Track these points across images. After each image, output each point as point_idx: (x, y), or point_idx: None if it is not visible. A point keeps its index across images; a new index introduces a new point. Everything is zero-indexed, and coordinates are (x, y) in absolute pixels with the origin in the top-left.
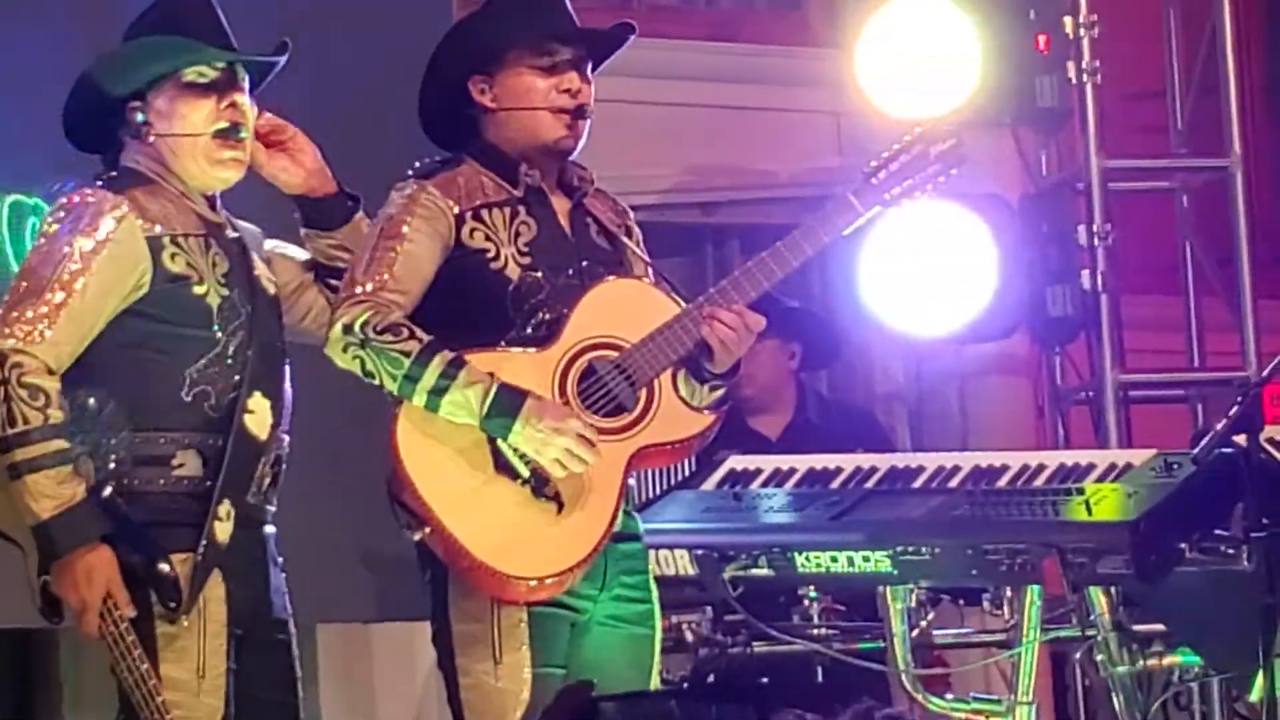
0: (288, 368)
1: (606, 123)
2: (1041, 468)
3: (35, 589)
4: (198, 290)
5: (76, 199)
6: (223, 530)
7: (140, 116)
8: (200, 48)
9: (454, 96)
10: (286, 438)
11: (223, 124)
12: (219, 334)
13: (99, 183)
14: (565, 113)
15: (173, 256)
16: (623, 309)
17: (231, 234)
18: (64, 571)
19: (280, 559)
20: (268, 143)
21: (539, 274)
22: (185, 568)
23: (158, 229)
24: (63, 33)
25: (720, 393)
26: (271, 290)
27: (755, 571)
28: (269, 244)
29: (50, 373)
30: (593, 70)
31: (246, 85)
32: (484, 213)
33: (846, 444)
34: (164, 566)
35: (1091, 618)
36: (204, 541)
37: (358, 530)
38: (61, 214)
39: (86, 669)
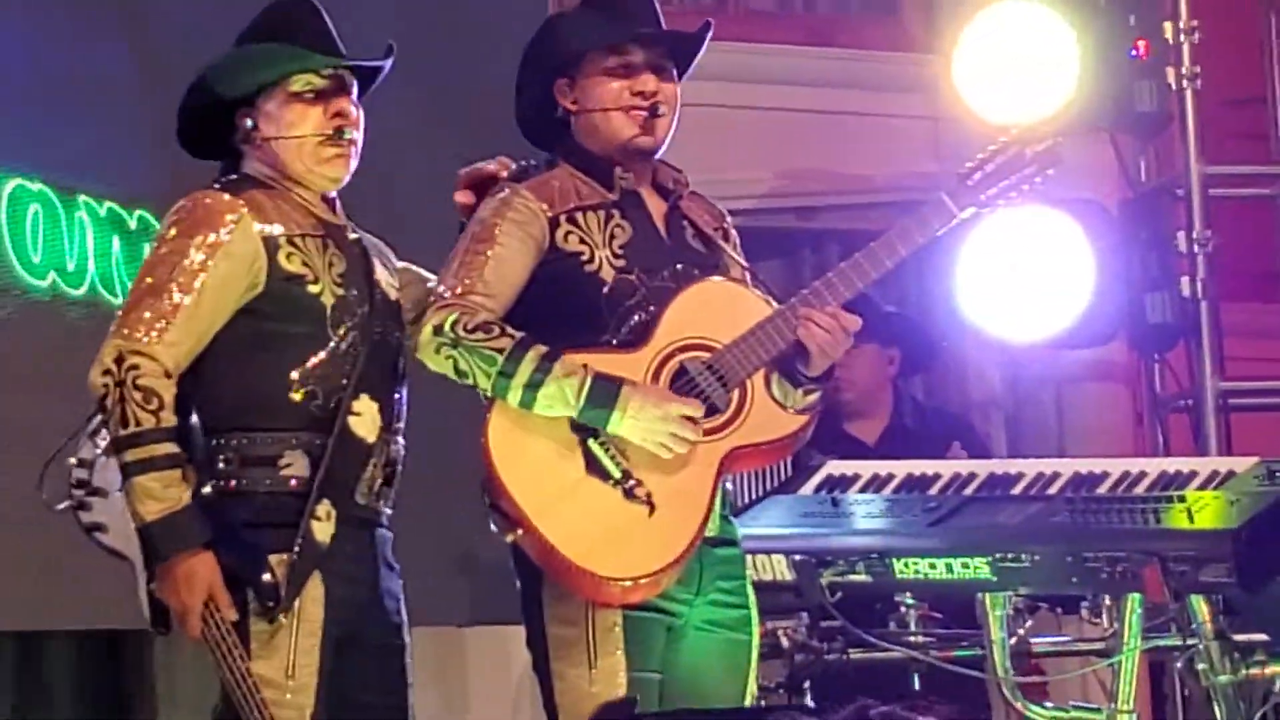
0: (405, 371)
1: (703, 127)
2: (1142, 475)
3: (143, 598)
4: (312, 289)
5: (193, 202)
6: (322, 530)
7: (249, 123)
8: (306, 55)
9: (542, 99)
10: (401, 440)
11: (328, 130)
12: (330, 333)
13: (216, 185)
14: (638, 112)
15: (288, 256)
16: (715, 310)
17: (352, 235)
18: (166, 575)
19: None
20: None
21: (634, 276)
22: (284, 569)
23: (274, 229)
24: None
25: (815, 396)
26: (393, 295)
27: (853, 577)
28: (401, 264)
29: (167, 375)
30: (680, 72)
31: (354, 90)
32: (578, 216)
33: (943, 450)
34: (266, 577)
35: (1192, 626)
36: (300, 540)
37: (451, 533)
38: (179, 216)
39: (180, 670)
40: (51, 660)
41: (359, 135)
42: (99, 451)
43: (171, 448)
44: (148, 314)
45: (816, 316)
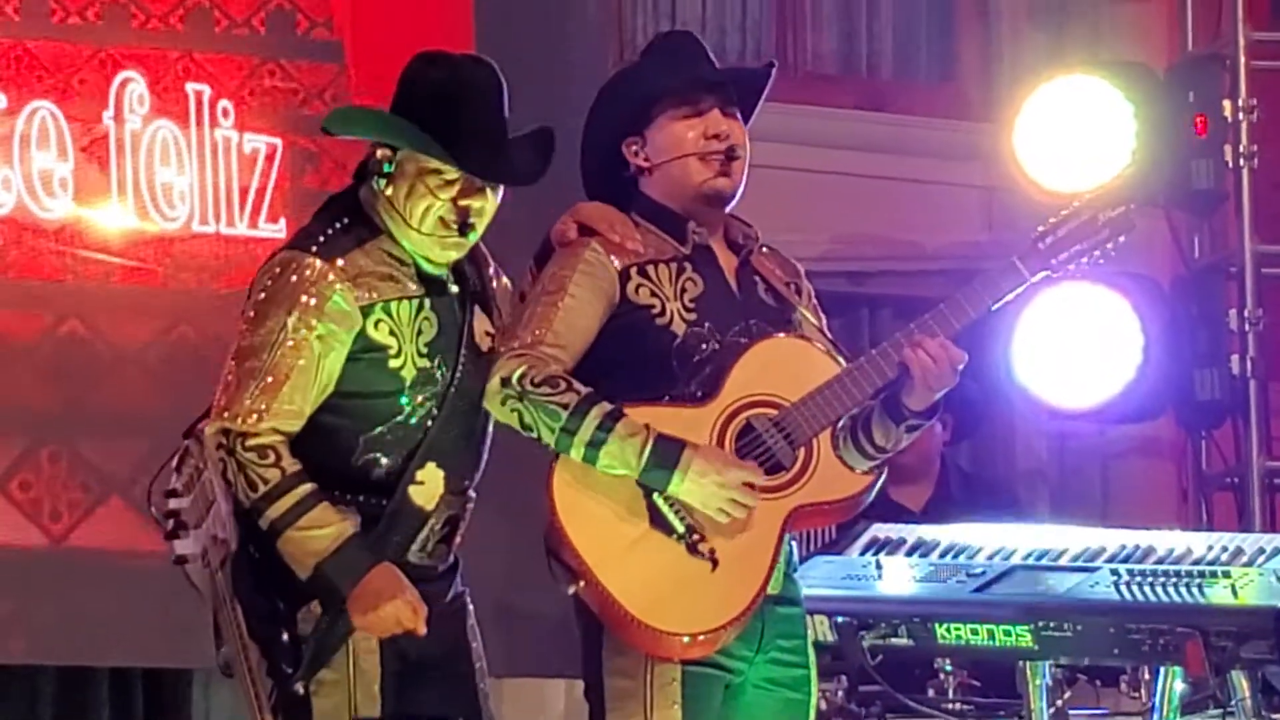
0: (486, 427)
1: (759, 188)
2: (1188, 549)
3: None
4: (394, 363)
5: (286, 268)
6: None
7: (387, 166)
8: (436, 152)
9: (610, 161)
10: (470, 494)
11: (451, 218)
12: (406, 404)
13: (314, 246)
14: (714, 156)
15: (377, 324)
16: (783, 367)
17: (453, 287)
18: (357, 604)
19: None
20: None
21: (704, 330)
22: (311, 624)
23: (370, 295)
24: None
25: (912, 436)
26: (485, 345)
27: (895, 641)
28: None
29: (276, 432)
30: (744, 117)
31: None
32: (649, 269)
33: (989, 519)
34: (285, 637)
35: (1232, 703)
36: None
37: (489, 585)
38: (270, 283)
39: (217, 706)
40: (91, 696)
41: (486, 224)
42: (182, 485)
43: (307, 487)
44: (248, 398)
45: (927, 344)
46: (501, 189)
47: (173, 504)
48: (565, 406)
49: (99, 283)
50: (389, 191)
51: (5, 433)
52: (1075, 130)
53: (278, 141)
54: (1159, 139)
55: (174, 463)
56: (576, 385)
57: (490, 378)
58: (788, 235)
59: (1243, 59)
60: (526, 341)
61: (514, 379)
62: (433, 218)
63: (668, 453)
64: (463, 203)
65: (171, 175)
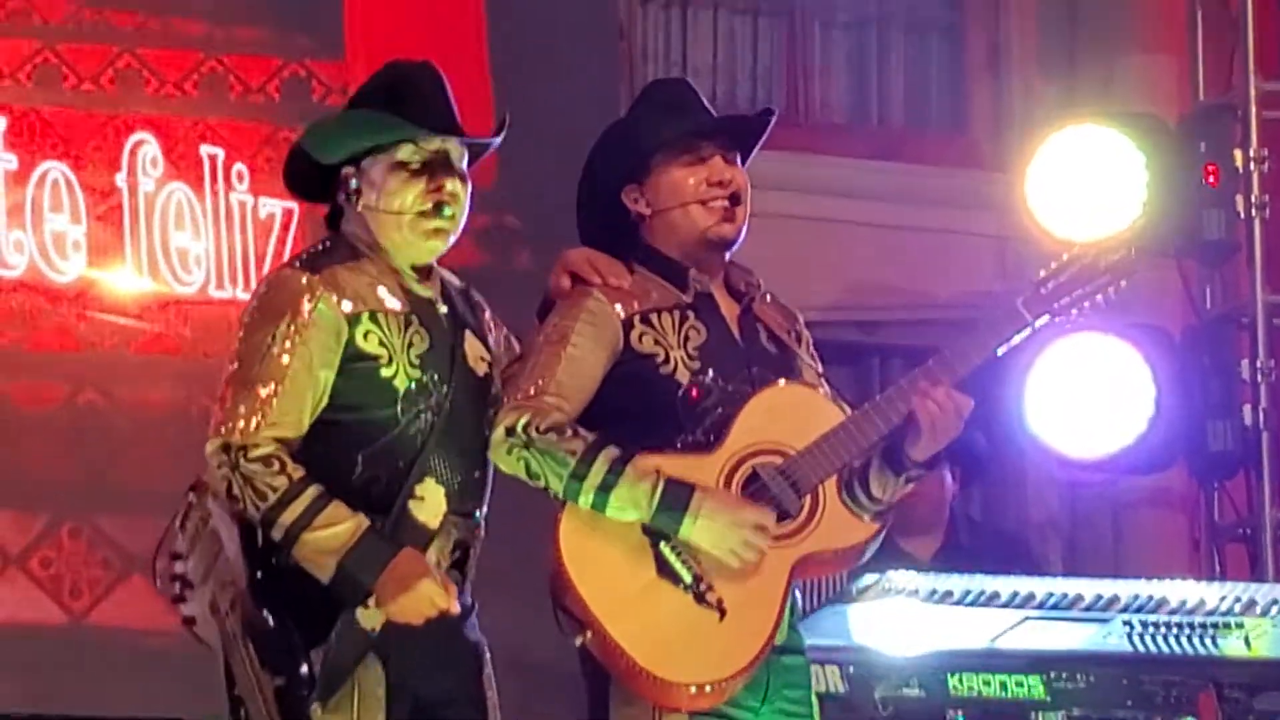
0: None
1: (770, 236)
2: (1201, 601)
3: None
4: (385, 372)
5: (271, 286)
6: (369, 618)
7: (354, 183)
8: (407, 127)
9: (610, 210)
10: (480, 522)
11: (427, 205)
12: (400, 417)
13: (297, 263)
14: (717, 203)
15: (366, 335)
16: (788, 415)
17: (442, 308)
18: (383, 593)
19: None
20: None
21: (708, 378)
22: (320, 658)
23: (355, 305)
24: None
25: (910, 487)
26: (481, 370)
27: (906, 692)
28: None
29: (277, 441)
30: (743, 161)
31: (464, 163)
32: (652, 317)
33: (999, 569)
34: (304, 670)
35: None
36: (338, 628)
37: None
38: (258, 302)
39: None
40: None
41: (462, 210)
42: (187, 544)
43: (315, 489)
44: (242, 408)
45: (934, 392)
46: (469, 183)
47: (178, 567)
48: (573, 453)
49: (115, 351)
50: (364, 202)
51: (26, 507)
52: (1087, 180)
53: (294, 206)
54: (1170, 189)
55: (178, 522)
56: (583, 432)
57: (494, 428)
58: (799, 284)
59: (1254, 109)
60: (530, 392)
61: (519, 427)
62: (411, 206)
63: (678, 495)
64: (432, 185)
65: (187, 239)
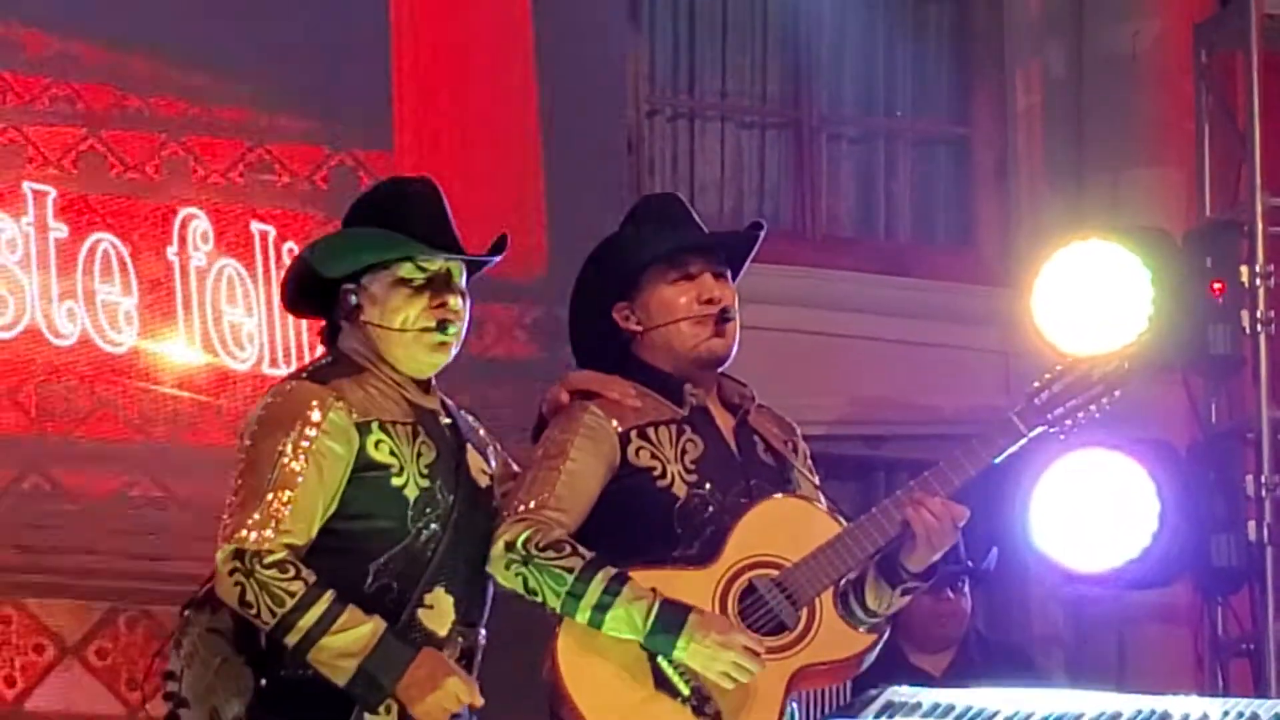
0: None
1: (775, 350)
2: (1204, 715)
3: None
4: (395, 481)
5: (281, 396)
6: None
7: (354, 300)
8: (410, 245)
9: (602, 326)
10: (482, 632)
11: (430, 323)
12: (410, 526)
13: (304, 375)
14: (708, 319)
15: (377, 444)
16: (784, 527)
17: (445, 419)
18: (408, 694)
19: None
20: None
21: (706, 491)
22: None
23: (367, 414)
24: None
25: (905, 600)
26: (483, 483)
27: None
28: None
29: (289, 548)
30: (733, 276)
31: (463, 280)
32: (650, 431)
33: (1007, 684)
34: None
35: None
36: None
37: None
38: (267, 411)
39: None
40: None
41: (463, 325)
42: (182, 662)
43: (331, 593)
44: (255, 515)
45: (929, 503)
46: (469, 299)
47: (170, 686)
48: (571, 570)
49: (170, 438)
50: (365, 317)
51: (82, 597)
52: (1093, 295)
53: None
54: (1176, 304)
55: (172, 641)
56: (581, 550)
57: (494, 542)
58: (804, 398)
59: (1260, 225)
60: (530, 506)
61: (519, 543)
62: (413, 323)
63: (673, 617)
64: (435, 302)
65: (239, 315)
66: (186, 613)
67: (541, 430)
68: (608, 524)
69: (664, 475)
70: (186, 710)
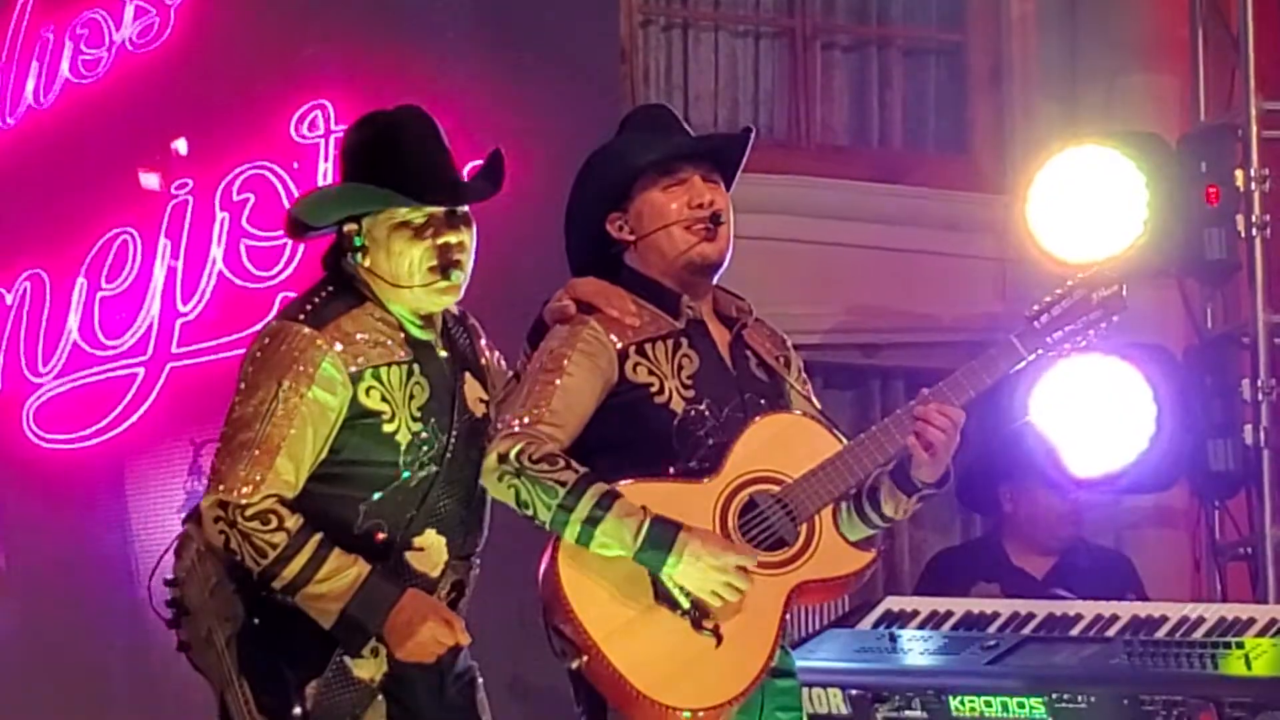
0: (486, 498)
1: (769, 260)
2: (1200, 620)
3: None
4: (387, 428)
5: (275, 338)
6: (365, 667)
7: (357, 240)
8: (399, 200)
9: (595, 237)
10: (476, 561)
11: (434, 263)
12: (402, 469)
13: (301, 315)
14: (700, 225)
15: (368, 390)
16: (785, 443)
17: (442, 353)
18: (393, 637)
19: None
20: None
21: (703, 407)
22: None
23: (359, 361)
24: None
25: (921, 504)
26: (479, 412)
27: (908, 713)
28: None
29: (274, 497)
30: (727, 184)
31: (466, 209)
32: (647, 347)
33: (1110, 594)
34: (296, 711)
35: None
36: (332, 667)
37: (493, 661)
38: (260, 353)
39: None
40: None
41: (470, 258)
42: (183, 574)
43: (314, 540)
44: (241, 467)
45: (933, 416)
46: (474, 226)
47: (172, 593)
48: (563, 484)
49: None
50: (368, 263)
51: None
52: (1088, 201)
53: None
54: (1171, 209)
55: (174, 549)
56: (574, 464)
57: (487, 454)
58: (800, 307)
59: (1255, 129)
60: (524, 420)
61: (511, 455)
62: (420, 269)
63: (663, 535)
64: (440, 242)
65: None
66: (187, 525)
67: (539, 332)
68: (606, 439)
69: (661, 391)
70: (188, 619)
